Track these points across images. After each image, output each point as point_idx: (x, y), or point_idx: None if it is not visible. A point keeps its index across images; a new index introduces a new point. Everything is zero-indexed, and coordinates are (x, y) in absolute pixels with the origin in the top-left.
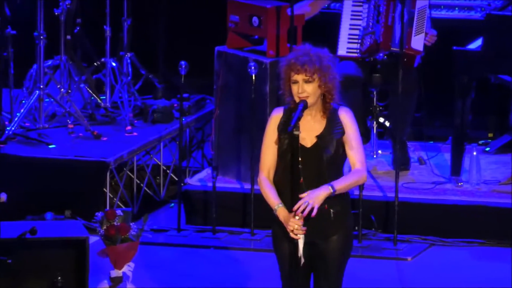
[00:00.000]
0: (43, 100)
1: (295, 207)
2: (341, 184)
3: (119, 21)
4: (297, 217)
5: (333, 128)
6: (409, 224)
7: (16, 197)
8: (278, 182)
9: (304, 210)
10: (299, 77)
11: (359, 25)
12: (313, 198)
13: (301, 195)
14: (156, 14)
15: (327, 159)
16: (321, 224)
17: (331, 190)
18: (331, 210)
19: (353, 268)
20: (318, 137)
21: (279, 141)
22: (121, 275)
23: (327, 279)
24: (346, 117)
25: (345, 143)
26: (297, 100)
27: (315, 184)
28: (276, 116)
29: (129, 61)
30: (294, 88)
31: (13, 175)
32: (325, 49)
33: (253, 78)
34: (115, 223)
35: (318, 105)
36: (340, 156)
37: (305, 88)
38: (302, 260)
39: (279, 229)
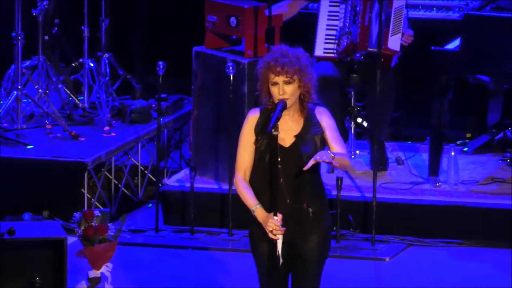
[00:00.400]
0: (21, 100)
1: (321, 155)
2: (338, 156)
3: (97, 22)
4: (275, 218)
5: (311, 128)
6: (387, 224)
7: None
8: (256, 183)
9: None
10: (280, 79)
11: (336, 25)
12: (322, 155)
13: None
14: (134, 14)
15: (306, 158)
16: (300, 223)
17: (332, 155)
18: (310, 210)
19: (331, 269)
20: (296, 136)
21: (257, 142)
22: (99, 275)
23: (305, 279)
24: (323, 115)
25: (326, 140)
26: (276, 101)
27: (295, 183)
28: (252, 117)
29: (107, 61)
30: (274, 89)
31: None
32: (300, 48)
33: (231, 78)
34: (93, 223)
35: (296, 105)
36: None
37: (285, 89)
38: (281, 260)
39: (257, 229)
